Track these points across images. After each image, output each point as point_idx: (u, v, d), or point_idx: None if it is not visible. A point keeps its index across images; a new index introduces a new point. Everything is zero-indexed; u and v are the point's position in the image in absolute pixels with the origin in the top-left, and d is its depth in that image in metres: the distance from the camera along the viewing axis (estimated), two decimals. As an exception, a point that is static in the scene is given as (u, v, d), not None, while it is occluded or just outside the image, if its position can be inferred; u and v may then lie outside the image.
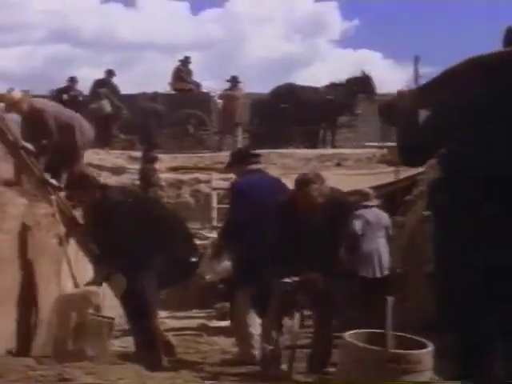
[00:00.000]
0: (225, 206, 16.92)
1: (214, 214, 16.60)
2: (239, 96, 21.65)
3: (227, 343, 10.71)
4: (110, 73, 22.40)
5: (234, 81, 21.78)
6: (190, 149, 20.71)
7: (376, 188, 15.72)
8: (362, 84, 22.07)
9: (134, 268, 8.00)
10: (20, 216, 7.93)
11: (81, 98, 20.42)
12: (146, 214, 8.43)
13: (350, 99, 22.02)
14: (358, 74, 22.62)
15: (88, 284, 8.95)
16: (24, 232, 8.06)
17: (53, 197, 9.37)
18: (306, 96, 22.22)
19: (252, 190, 8.81)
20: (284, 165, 19.06)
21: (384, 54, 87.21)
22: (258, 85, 62.06)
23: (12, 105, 10.65)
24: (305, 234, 7.66)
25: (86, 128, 10.99)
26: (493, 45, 5.50)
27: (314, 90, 22.91)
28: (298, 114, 21.61)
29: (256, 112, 22.70)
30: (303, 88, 22.95)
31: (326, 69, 64.89)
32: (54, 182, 9.65)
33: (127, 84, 59.74)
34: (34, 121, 10.34)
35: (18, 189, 8.58)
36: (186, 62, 22.93)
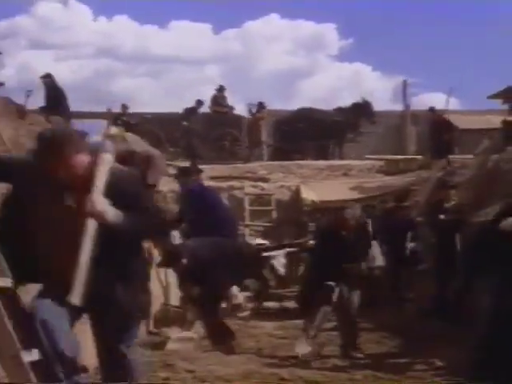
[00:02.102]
0: (255, 208, 18.04)
1: (246, 214, 17.33)
2: (263, 118, 22.19)
3: (272, 327, 11.22)
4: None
5: (261, 106, 22.40)
6: (225, 160, 20.99)
7: (378, 196, 16.66)
8: (363, 108, 22.58)
9: None
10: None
11: (132, 122, 20.48)
12: None
13: (354, 120, 22.44)
14: (359, 99, 23.11)
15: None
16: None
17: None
18: (320, 117, 22.71)
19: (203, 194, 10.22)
20: (301, 174, 19.51)
21: (373, 67, 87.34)
22: (267, 93, 63.45)
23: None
24: (342, 247, 8.75)
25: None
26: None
27: (327, 112, 23.38)
28: (312, 131, 22.09)
29: (279, 129, 23.09)
30: (318, 111, 23.46)
31: (325, 79, 65.72)
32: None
33: (159, 90, 61.14)
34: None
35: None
36: (221, 89, 23.24)
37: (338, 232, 8.87)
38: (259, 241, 14.74)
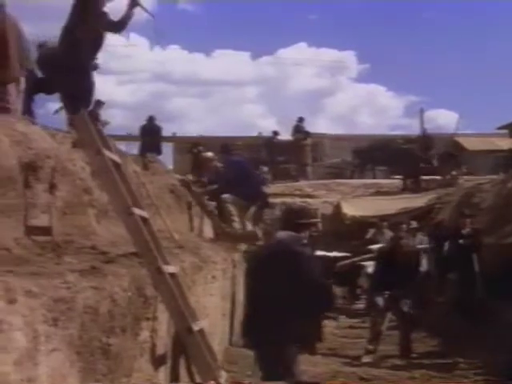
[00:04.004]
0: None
1: None
2: (308, 143, 22.65)
3: (332, 325, 11.66)
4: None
5: (307, 134, 22.96)
6: (278, 179, 21.25)
7: (406, 212, 17.08)
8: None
9: None
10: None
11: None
12: None
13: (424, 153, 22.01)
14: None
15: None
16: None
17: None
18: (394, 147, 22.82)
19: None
20: (341, 191, 19.83)
21: (387, 87, 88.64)
22: (297, 109, 64.25)
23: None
24: (397, 269, 9.48)
25: None
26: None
27: (398, 143, 23.49)
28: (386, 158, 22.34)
29: (357, 155, 23.60)
30: (392, 141, 23.89)
31: (346, 98, 66.88)
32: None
33: (207, 109, 62.17)
34: None
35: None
36: (301, 120, 23.78)
37: (394, 258, 9.66)
38: (335, 253, 14.76)
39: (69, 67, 7.99)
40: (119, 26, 8.47)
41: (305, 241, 5.64)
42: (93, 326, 3.44)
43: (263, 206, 13.86)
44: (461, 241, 11.51)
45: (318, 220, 7.12)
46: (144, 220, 4.95)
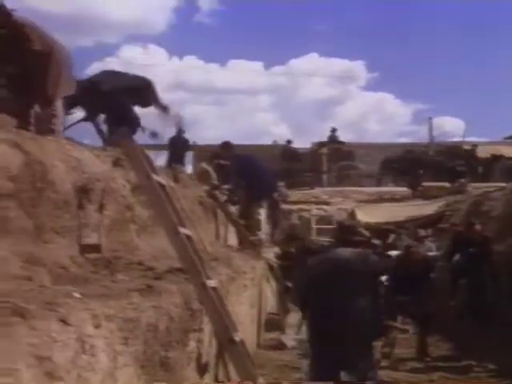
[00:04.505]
0: (320, 226, 18.65)
1: (313, 231, 17.73)
2: (324, 152, 22.80)
3: None
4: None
5: (321, 144, 23.06)
6: (295, 187, 21.07)
7: (417, 219, 17.19)
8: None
9: None
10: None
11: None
12: None
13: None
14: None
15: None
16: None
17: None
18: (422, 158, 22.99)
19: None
20: (356, 198, 19.79)
21: (395, 95, 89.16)
22: (308, 117, 64.45)
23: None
24: (410, 276, 9.63)
25: None
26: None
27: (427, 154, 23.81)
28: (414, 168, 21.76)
29: (386, 165, 23.37)
30: (420, 153, 23.94)
31: (355, 106, 67.03)
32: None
33: (222, 116, 62.66)
34: None
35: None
36: (334, 130, 24.43)
37: (407, 265, 9.81)
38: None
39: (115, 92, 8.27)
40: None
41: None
42: (154, 342, 3.65)
43: (274, 205, 14.20)
44: (471, 249, 11.59)
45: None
46: (188, 237, 5.15)
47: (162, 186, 5.18)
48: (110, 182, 6.17)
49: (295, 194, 19.63)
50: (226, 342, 4.86)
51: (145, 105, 9.61)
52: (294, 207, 18.56)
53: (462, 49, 71.05)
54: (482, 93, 67.63)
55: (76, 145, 6.51)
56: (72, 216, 4.99)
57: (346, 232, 6.18)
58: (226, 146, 12.32)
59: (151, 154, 15.39)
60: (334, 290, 5.61)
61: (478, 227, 12.26)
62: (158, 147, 17.59)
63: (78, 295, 3.01)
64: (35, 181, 4.37)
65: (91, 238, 5.32)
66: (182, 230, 5.03)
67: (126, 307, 3.37)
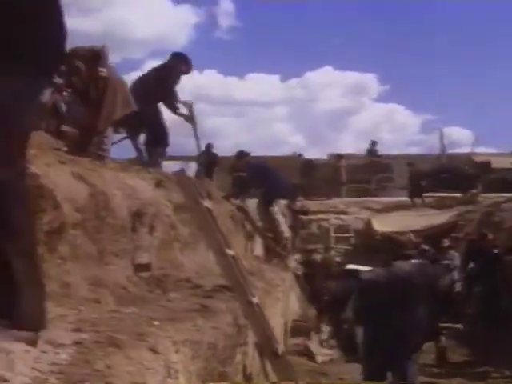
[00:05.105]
0: (338, 235, 18.73)
1: (332, 240, 17.80)
2: (343, 165, 22.56)
3: None
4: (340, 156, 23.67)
5: (339, 156, 23.09)
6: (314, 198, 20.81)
7: (431, 228, 17.16)
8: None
9: None
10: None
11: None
12: None
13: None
14: None
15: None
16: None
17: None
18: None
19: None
20: (372, 208, 19.64)
21: (405, 106, 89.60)
22: (323, 127, 64.74)
23: None
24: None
25: None
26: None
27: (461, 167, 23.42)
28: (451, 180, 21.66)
29: (414, 177, 22.40)
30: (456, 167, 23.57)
31: (367, 116, 67.42)
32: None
33: (241, 126, 63.04)
34: None
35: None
36: (374, 143, 24.50)
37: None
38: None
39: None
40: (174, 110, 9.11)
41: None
42: (213, 359, 3.84)
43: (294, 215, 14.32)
44: (485, 257, 11.75)
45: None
46: (233, 257, 5.35)
47: (209, 210, 5.38)
48: (158, 204, 6.39)
49: (314, 204, 19.55)
50: (270, 355, 5.04)
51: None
52: (314, 217, 18.53)
53: (468, 62, 71.12)
54: (490, 104, 67.59)
55: (123, 166, 6.78)
56: (128, 239, 5.20)
57: (398, 246, 6.52)
58: (240, 154, 12.50)
59: (180, 164, 15.69)
60: (394, 302, 6.04)
61: (490, 237, 12.43)
62: (185, 158, 17.61)
63: (156, 323, 3.21)
64: (99, 210, 4.58)
65: (143, 258, 5.53)
66: (228, 251, 5.22)
67: (191, 329, 3.58)
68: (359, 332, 6.96)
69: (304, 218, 17.79)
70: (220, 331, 3.99)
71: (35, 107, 2.39)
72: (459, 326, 10.08)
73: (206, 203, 5.43)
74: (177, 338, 3.02)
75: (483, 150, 27.99)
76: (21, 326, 2.17)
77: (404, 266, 6.30)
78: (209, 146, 18.09)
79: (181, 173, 5.25)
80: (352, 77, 69.42)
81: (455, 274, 12.13)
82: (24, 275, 2.14)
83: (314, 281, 13.79)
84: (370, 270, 6.89)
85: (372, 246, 16.74)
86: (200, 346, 3.57)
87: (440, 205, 19.37)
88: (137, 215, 5.37)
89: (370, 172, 23.60)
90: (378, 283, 6.35)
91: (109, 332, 2.76)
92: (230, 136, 64.73)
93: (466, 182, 21.15)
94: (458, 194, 19.89)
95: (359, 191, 22.56)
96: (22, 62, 2.10)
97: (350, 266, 14.38)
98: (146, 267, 5.54)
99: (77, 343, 2.50)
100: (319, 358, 9.57)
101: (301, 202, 17.80)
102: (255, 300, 5.18)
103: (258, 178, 11.24)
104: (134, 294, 4.69)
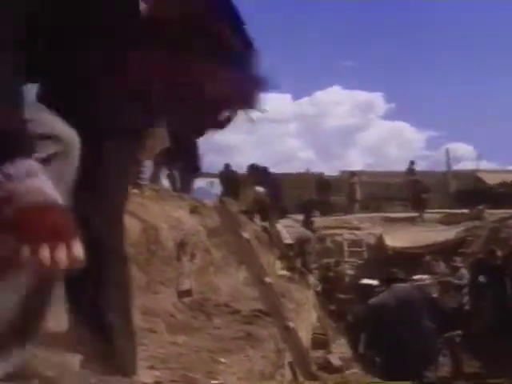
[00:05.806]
0: (351, 249, 18.81)
1: (345, 254, 17.84)
2: (356, 182, 22.27)
3: None
4: (353, 173, 23.44)
5: (352, 174, 22.93)
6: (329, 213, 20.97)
7: (440, 243, 17.18)
8: None
9: None
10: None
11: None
12: None
13: None
14: None
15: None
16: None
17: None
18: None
19: None
20: (384, 224, 19.66)
21: (410, 124, 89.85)
22: (332, 143, 65.00)
23: None
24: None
25: None
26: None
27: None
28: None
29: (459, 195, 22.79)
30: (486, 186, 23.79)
31: (375, 133, 67.50)
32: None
33: (253, 143, 63.23)
34: None
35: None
36: (412, 163, 24.26)
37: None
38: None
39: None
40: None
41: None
42: (261, 385, 3.94)
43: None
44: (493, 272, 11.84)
45: None
46: (270, 284, 5.45)
47: (248, 241, 5.49)
48: (197, 232, 6.50)
49: (328, 220, 19.61)
50: (308, 376, 5.14)
51: None
52: (328, 232, 18.54)
53: (470, 79, 71.18)
54: (491, 121, 67.63)
55: (160, 195, 6.90)
56: (173, 268, 5.32)
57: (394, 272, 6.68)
58: (252, 167, 12.57)
59: (205, 182, 15.63)
60: (402, 321, 6.36)
61: (498, 253, 12.50)
62: (209, 175, 17.46)
63: (223, 360, 3.31)
64: (149, 244, 4.70)
65: (185, 285, 5.64)
66: (266, 279, 5.33)
67: (244, 359, 3.68)
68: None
69: (320, 233, 17.92)
70: (267, 360, 4.08)
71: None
72: (458, 332, 9.96)
73: (245, 234, 5.54)
74: (241, 375, 3.11)
75: (486, 166, 27.91)
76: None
77: (402, 288, 6.56)
78: (227, 166, 18.08)
79: (221, 204, 5.36)
80: (360, 95, 69.74)
81: (465, 292, 12.20)
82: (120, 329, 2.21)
83: (332, 296, 13.79)
84: (376, 297, 7.07)
85: (385, 261, 16.86)
86: (252, 375, 3.67)
87: (448, 220, 19.33)
88: (181, 245, 5.49)
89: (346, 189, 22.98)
90: (385, 307, 6.56)
91: (181, 370, 2.85)
92: (244, 152, 64.86)
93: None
94: (466, 210, 19.85)
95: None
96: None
97: (365, 281, 14.57)
98: (187, 293, 5.65)
99: (157, 383, 2.59)
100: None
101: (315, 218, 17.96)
102: (291, 324, 5.28)
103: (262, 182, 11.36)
104: (181, 321, 4.78)
